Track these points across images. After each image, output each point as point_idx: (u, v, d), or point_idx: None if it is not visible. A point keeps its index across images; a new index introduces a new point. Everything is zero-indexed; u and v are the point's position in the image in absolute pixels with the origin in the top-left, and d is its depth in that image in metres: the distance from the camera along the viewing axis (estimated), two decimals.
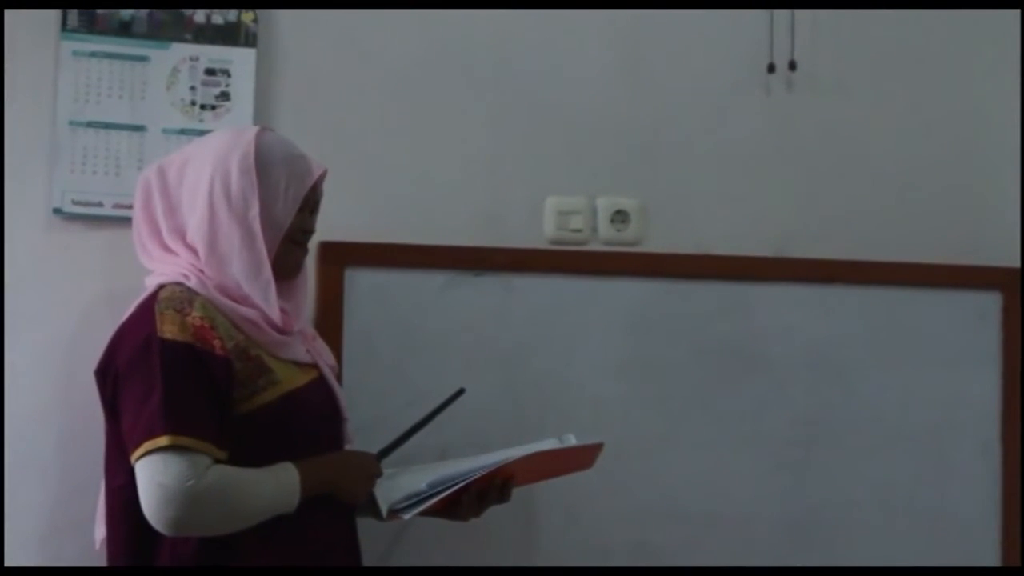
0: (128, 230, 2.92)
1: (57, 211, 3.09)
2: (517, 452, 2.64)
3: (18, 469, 3.05)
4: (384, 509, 2.54)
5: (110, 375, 2.43)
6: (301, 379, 2.51)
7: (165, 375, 2.32)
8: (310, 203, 2.60)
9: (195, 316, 2.38)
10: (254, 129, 2.59)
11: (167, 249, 2.54)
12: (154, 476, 2.28)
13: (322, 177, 2.62)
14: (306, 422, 2.51)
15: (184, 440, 2.29)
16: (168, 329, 2.36)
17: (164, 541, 2.36)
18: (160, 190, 2.56)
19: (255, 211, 2.47)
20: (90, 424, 2.98)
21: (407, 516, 2.53)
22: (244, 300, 2.47)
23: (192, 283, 2.44)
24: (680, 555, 3.24)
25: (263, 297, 2.47)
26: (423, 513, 2.55)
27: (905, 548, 3.32)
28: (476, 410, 2.99)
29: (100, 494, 2.59)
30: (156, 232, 2.57)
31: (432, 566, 3.08)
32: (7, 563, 3.00)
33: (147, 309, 2.42)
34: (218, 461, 2.32)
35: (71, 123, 3.10)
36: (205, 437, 2.31)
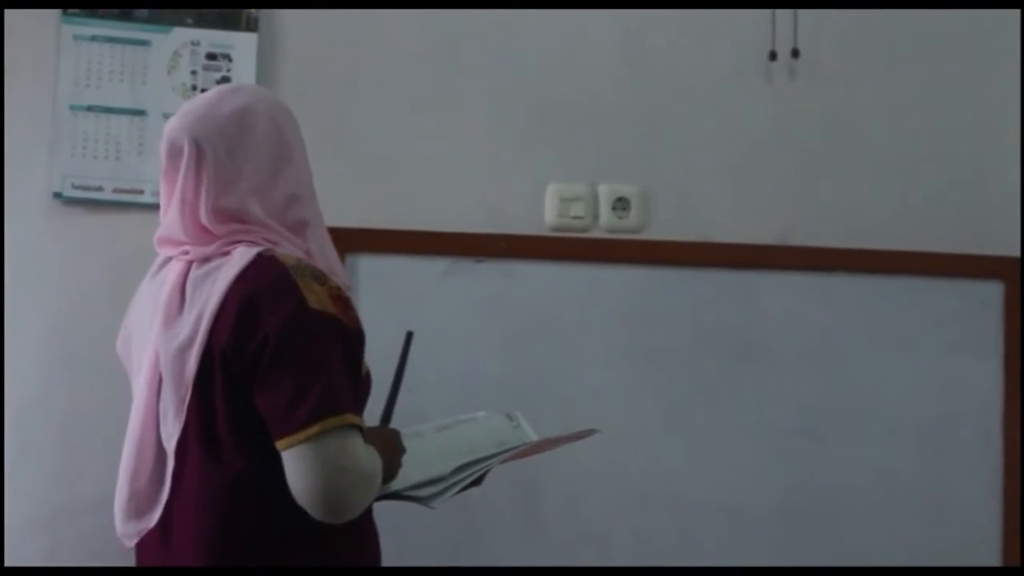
0: (128, 214, 2.94)
1: (57, 195, 3.09)
2: (507, 429, 2.59)
3: (19, 453, 3.05)
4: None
5: (250, 347, 2.13)
6: None
7: (328, 350, 2.13)
8: None
9: (332, 286, 2.20)
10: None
11: (242, 209, 2.25)
12: (333, 458, 2.08)
13: None
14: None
15: (356, 419, 2.13)
16: (317, 300, 2.15)
17: (287, 533, 2.16)
18: (228, 141, 2.26)
19: None
20: (91, 408, 3.00)
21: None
22: (323, 265, 2.30)
23: (283, 250, 2.24)
24: (681, 542, 3.24)
25: (337, 257, 2.39)
26: (384, 497, 2.41)
27: (906, 536, 3.32)
28: (476, 397, 2.98)
29: (129, 484, 2.27)
30: (226, 189, 2.25)
31: (435, 566, 3.09)
32: (7, 547, 3.01)
33: (280, 277, 2.17)
34: None
35: (72, 107, 3.10)
36: (360, 415, 2.16)
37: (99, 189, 3.10)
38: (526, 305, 3.24)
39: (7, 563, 2.99)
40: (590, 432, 2.65)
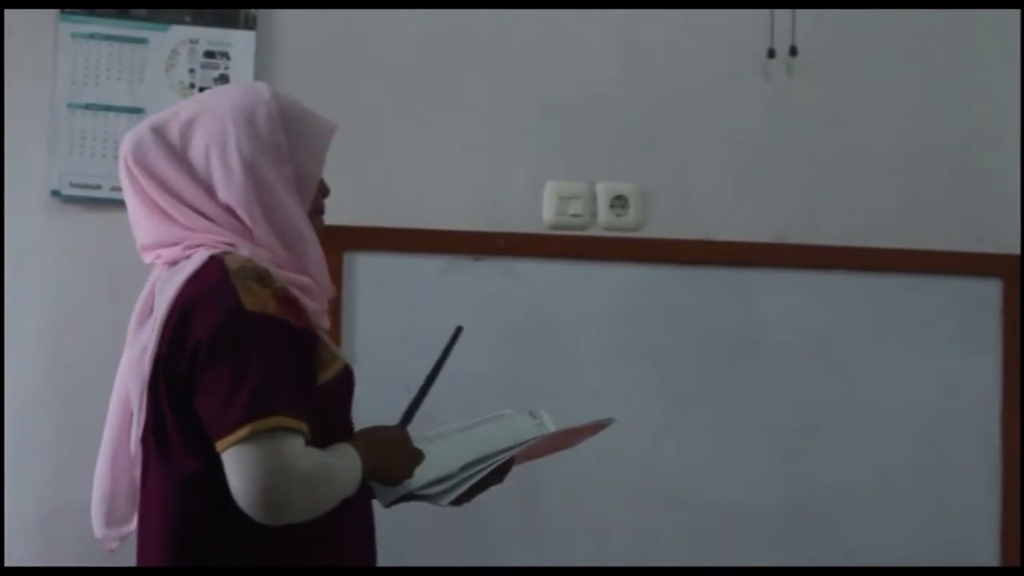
0: (126, 212, 2.92)
1: (55, 193, 3.09)
2: (525, 432, 2.53)
3: (16, 451, 3.05)
4: (386, 497, 2.40)
5: (185, 352, 2.16)
6: (342, 352, 2.39)
7: (259, 351, 2.12)
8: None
9: (277, 287, 2.19)
10: (263, 84, 2.40)
11: (198, 212, 2.29)
12: (263, 459, 2.07)
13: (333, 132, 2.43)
14: (351, 398, 2.38)
15: (290, 421, 2.10)
16: (252, 301, 2.15)
17: (243, 532, 2.15)
18: (167, 154, 2.29)
19: (291, 170, 2.30)
20: (87, 406, 2.98)
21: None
22: (293, 267, 2.30)
23: (244, 252, 2.24)
24: (679, 540, 3.24)
25: (317, 258, 2.34)
26: (399, 500, 2.42)
27: (904, 535, 3.32)
28: (475, 395, 2.98)
29: (108, 488, 2.36)
30: (178, 197, 2.30)
31: (434, 566, 3.10)
32: (6, 546, 3.01)
33: (220, 280, 2.17)
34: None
35: (70, 105, 3.10)
36: (302, 417, 2.13)
37: (97, 187, 3.10)
38: (524, 303, 3.24)
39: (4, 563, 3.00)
40: (607, 422, 2.62)
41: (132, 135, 2.34)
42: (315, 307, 2.31)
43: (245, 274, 2.18)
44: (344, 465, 2.22)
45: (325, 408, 2.25)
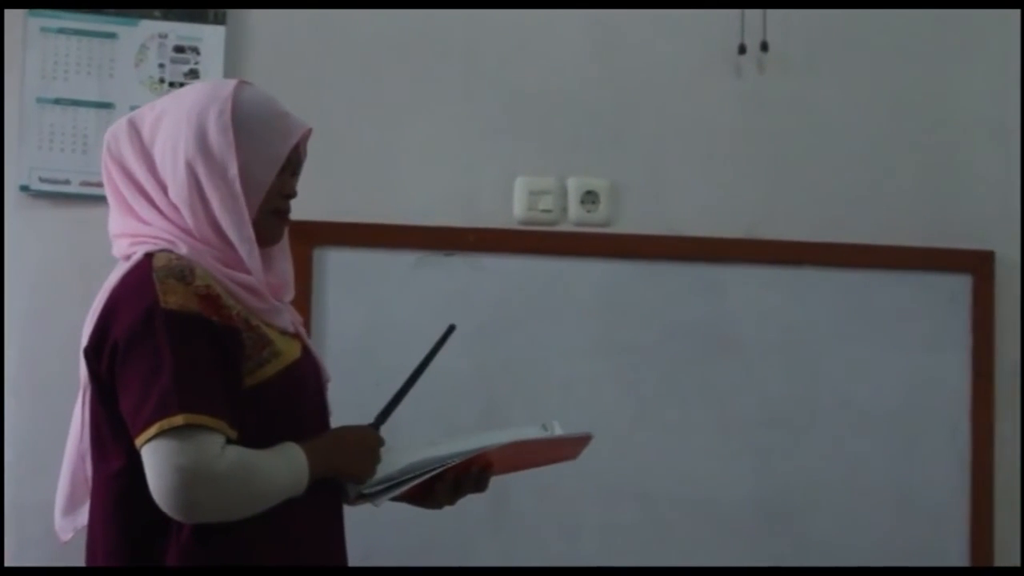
0: (95, 207, 2.91)
1: (24, 188, 3.09)
2: (497, 438, 2.48)
3: None
4: (352, 492, 2.44)
5: (105, 351, 2.19)
6: (296, 350, 2.34)
7: (174, 348, 2.13)
8: (292, 164, 2.39)
9: (199, 285, 2.19)
10: (232, 83, 2.37)
11: (155, 208, 2.30)
12: (169, 458, 2.08)
13: (306, 137, 2.41)
14: (306, 396, 2.37)
15: (200, 418, 2.10)
16: (172, 299, 2.16)
17: (170, 530, 2.17)
18: (135, 147, 2.32)
19: (234, 171, 2.26)
20: (58, 402, 2.98)
21: (377, 502, 2.41)
22: (237, 266, 2.28)
23: (183, 250, 2.24)
24: (650, 537, 3.25)
25: (248, 258, 2.29)
26: (396, 498, 2.43)
27: (874, 531, 3.33)
28: (445, 391, 2.98)
29: (67, 479, 2.40)
30: (140, 191, 2.32)
31: (404, 566, 3.11)
32: None
33: (143, 278, 2.20)
34: (229, 441, 2.14)
35: (38, 100, 3.09)
36: (220, 415, 2.13)
37: (66, 182, 3.09)
38: (495, 298, 3.25)
39: None
40: (587, 437, 2.56)
41: (114, 126, 2.37)
42: (260, 306, 2.30)
43: (168, 272, 2.20)
44: (279, 464, 2.21)
45: (265, 406, 2.25)
